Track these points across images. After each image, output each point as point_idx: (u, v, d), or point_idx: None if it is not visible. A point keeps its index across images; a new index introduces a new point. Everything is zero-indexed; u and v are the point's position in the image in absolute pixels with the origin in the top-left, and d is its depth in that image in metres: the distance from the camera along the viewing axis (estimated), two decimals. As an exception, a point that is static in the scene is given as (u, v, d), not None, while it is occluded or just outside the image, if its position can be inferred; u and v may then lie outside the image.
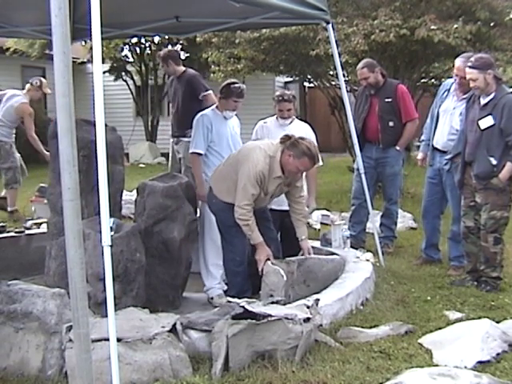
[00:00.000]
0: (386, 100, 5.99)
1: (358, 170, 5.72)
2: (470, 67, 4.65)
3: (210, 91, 6.19)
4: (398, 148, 6.05)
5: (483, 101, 4.68)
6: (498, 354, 3.41)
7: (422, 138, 5.74)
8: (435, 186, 5.53)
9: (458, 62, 5.13)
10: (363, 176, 5.55)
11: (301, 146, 4.25)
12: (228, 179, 4.39)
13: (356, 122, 5.97)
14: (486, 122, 4.61)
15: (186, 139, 5.99)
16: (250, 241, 4.36)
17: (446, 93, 5.42)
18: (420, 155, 5.76)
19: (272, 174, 4.25)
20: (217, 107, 5.05)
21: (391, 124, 5.98)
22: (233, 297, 3.91)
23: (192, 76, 6.35)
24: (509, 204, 4.72)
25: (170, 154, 6.84)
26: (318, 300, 3.75)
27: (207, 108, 5.23)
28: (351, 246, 5.56)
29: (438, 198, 5.56)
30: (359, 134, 5.82)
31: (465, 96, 5.16)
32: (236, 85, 4.98)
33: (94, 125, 2.89)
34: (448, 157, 5.25)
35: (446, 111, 5.36)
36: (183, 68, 6.49)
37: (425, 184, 5.74)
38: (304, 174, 5.03)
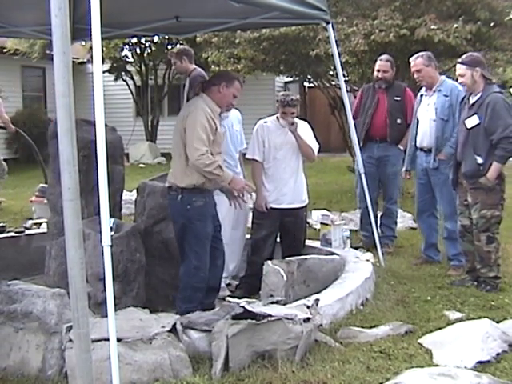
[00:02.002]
0: (396, 98, 6.12)
1: (359, 171, 5.75)
2: (459, 62, 4.77)
3: None
4: (400, 147, 6.13)
5: (471, 100, 4.74)
6: (498, 354, 3.41)
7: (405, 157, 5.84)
8: (424, 186, 5.60)
9: (411, 59, 5.52)
10: (363, 176, 5.57)
11: (226, 74, 4.42)
12: (182, 160, 4.09)
13: (363, 118, 6.03)
14: (472, 121, 4.66)
15: None
16: (221, 183, 4.12)
17: (420, 98, 5.62)
18: (403, 172, 5.91)
19: (215, 113, 4.16)
20: None
21: (399, 121, 6.11)
22: (186, 311, 3.77)
23: (193, 77, 6.31)
24: (500, 203, 4.72)
25: None
26: (317, 300, 3.75)
27: None
28: (353, 247, 5.57)
29: (429, 198, 5.60)
30: (366, 130, 5.98)
31: (434, 88, 5.39)
32: None
33: (94, 125, 2.90)
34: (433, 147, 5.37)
35: (422, 111, 5.52)
36: (194, 66, 6.47)
37: (415, 186, 5.83)
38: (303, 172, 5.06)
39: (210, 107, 4.13)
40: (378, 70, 6.13)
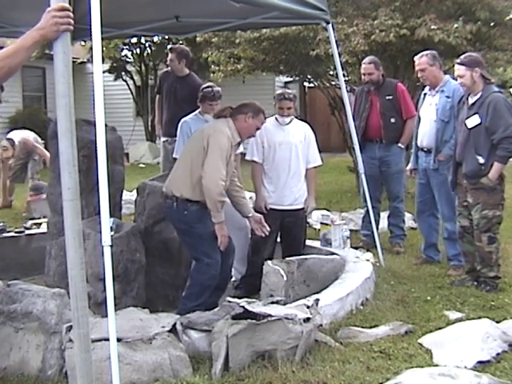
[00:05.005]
0: (387, 97, 6.10)
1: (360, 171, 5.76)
2: (458, 63, 4.74)
3: None
4: (400, 145, 6.13)
5: (471, 100, 4.73)
6: (498, 354, 3.41)
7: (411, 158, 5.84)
8: (424, 186, 5.59)
9: (416, 58, 5.46)
10: (363, 176, 5.57)
11: (254, 105, 4.33)
12: (194, 175, 4.08)
13: (358, 122, 6.03)
14: (473, 120, 4.65)
15: None
16: (213, 218, 4.04)
17: (424, 96, 5.59)
18: (408, 171, 5.90)
19: (233, 142, 4.19)
20: (200, 112, 5.20)
21: (393, 120, 6.09)
22: (189, 310, 3.79)
23: (199, 84, 6.34)
24: (501, 203, 4.72)
25: (162, 154, 6.80)
26: (317, 300, 3.75)
27: None
28: (353, 247, 5.56)
29: (429, 198, 5.59)
30: (363, 132, 5.95)
31: (436, 88, 5.36)
32: (208, 89, 5.12)
33: (94, 125, 2.90)
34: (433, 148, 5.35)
35: (425, 111, 5.50)
36: (188, 71, 6.54)
37: (416, 185, 5.83)
38: (304, 174, 5.07)
39: (232, 134, 4.17)
40: (364, 74, 6.13)
